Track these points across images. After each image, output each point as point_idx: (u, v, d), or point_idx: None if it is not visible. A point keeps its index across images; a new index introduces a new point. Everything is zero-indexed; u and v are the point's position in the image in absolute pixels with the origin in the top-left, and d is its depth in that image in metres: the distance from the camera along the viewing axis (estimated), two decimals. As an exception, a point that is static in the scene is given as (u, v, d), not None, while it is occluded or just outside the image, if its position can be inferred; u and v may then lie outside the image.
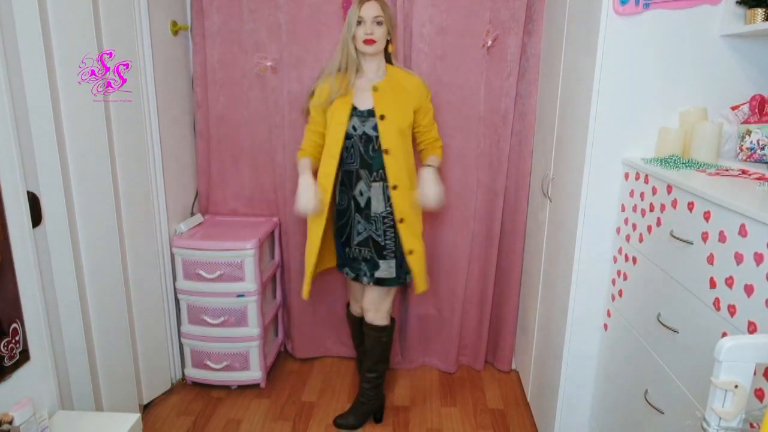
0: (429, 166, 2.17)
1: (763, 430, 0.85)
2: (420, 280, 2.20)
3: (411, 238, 2.15)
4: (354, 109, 2.08)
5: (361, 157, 2.10)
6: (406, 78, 2.15)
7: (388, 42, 2.10)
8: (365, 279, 2.19)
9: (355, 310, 2.44)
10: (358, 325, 2.44)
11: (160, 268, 2.44)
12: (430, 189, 2.12)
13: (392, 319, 2.33)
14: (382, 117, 2.06)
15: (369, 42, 2.03)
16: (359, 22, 2.02)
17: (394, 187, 2.08)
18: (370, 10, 2.02)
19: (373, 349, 2.29)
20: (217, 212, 2.79)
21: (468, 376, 2.78)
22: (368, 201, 2.13)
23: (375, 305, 2.24)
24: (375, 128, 2.07)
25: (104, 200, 2.00)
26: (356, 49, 2.07)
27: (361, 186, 2.13)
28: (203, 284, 2.44)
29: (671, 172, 1.52)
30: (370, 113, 2.07)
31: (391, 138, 2.07)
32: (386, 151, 2.06)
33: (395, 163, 2.08)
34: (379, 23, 2.03)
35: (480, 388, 2.68)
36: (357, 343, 2.57)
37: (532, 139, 2.50)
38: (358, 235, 2.18)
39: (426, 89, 2.20)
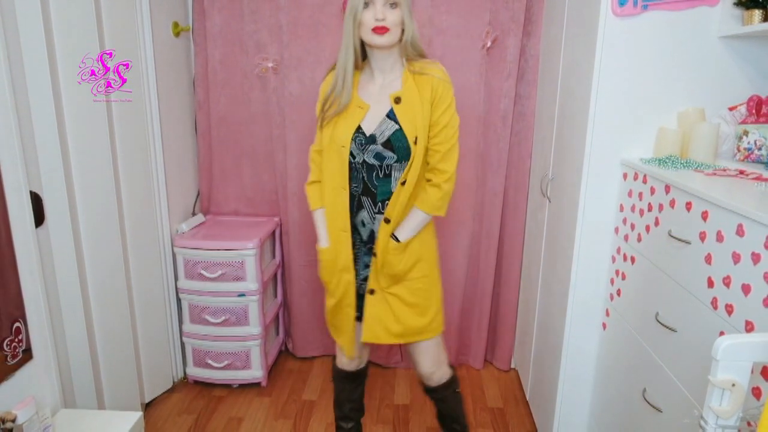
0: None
1: (760, 429, 0.86)
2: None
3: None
4: (357, 129, 1.59)
5: (365, 184, 1.64)
6: (424, 80, 1.57)
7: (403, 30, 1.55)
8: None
9: (342, 360, 1.90)
10: (350, 382, 1.95)
11: (162, 268, 2.45)
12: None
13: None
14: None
15: (379, 30, 1.48)
16: (366, 4, 1.50)
17: (387, 221, 1.63)
18: None
19: (457, 408, 1.86)
20: (219, 212, 2.80)
21: (467, 374, 2.79)
22: (371, 234, 1.68)
23: (436, 358, 1.78)
24: (377, 157, 1.59)
25: (106, 200, 2.01)
26: (362, 41, 1.55)
27: (363, 215, 1.67)
28: (205, 283, 2.45)
29: (669, 172, 1.53)
30: (372, 139, 1.58)
31: (412, 170, 1.59)
32: (403, 183, 1.60)
33: (404, 197, 1.61)
34: (392, 5, 1.49)
35: (479, 386, 2.69)
36: (346, 410, 1.98)
37: (531, 139, 2.51)
38: (366, 268, 1.72)
39: (443, 85, 1.58)
